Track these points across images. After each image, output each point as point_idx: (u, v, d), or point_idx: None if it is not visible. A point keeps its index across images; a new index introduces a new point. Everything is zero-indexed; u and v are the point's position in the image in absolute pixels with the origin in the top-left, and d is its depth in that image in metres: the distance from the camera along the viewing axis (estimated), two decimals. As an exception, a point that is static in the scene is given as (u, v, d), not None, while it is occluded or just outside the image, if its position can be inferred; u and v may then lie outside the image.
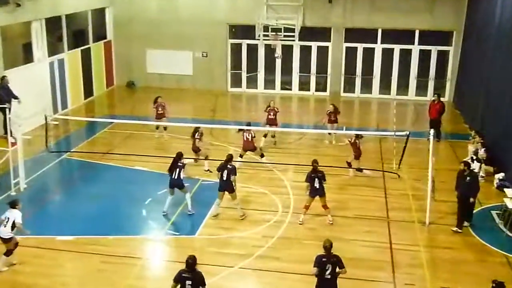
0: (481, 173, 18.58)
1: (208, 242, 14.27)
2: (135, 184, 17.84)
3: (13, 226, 12.36)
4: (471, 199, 14.81)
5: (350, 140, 18.26)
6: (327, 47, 29.69)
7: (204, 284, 10.20)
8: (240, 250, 13.82)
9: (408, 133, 15.56)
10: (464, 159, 19.78)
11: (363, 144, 18.49)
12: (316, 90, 30.34)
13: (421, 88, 29.28)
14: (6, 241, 12.46)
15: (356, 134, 18.40)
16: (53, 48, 25.47)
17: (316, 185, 14.96)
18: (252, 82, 30.91)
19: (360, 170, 18.23)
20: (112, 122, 23.47)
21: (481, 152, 18.96)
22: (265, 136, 21.00)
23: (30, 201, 16.47)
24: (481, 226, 15.11)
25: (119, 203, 16.42)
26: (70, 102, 26.69)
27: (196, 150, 18.58)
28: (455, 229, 14.83)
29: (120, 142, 21.95)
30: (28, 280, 12.41)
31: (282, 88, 30.73)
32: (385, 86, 29.72)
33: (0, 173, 17.45)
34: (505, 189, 16.52)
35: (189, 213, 15.55)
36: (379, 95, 29.71)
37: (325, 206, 15.23)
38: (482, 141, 19.46)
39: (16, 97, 18.22)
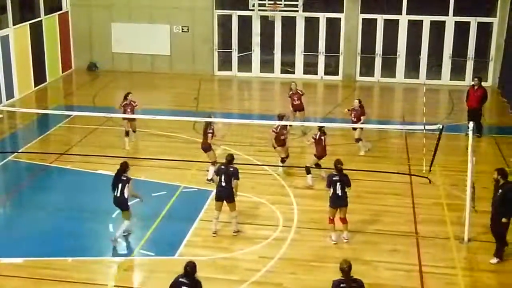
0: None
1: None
2: (99, 193, 17.73)
3: None
4: (504, 220, 14.28)
5: (314, 137, 18.10)
6: (339, 19, 29.75)
7: None
8: (231, 275, 13.80)
9: (441, 126, 15.56)
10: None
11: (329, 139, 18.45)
12: (326, 73, 30.37)
13: (458, 71, 29.33)
14: None
15: (319, 127, 18.31)
16: (-5, 21, 25.47)
17: (339, 191, 14.96)
18: (245, 63, 30.93)
19: (319, 166, 18.33)
20: (70, 115, 23.47)
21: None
22: (304, 133, 21.53)
23: (-33, 214, 16.50)
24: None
25: (79, 217, 16.41)
26: (17, 90, 26.67)
27: (206, 148, 18.37)
28: (494, 261, 14.52)
29: (80, 140, 21.94)
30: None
31: (282, 71, 30.77)
32: (412, 68, 29.77)
33: None
34: None
35: (111, 240, 14.98)
36: (405, 79, 29.75)
37: (343, 220, 15.24)
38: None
39: None
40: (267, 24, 29.96)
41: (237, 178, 15.23)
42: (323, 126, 18.47)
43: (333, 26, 29.85)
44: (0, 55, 25.39)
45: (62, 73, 30.74)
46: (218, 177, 15.26)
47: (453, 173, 18.60)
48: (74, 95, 28.84)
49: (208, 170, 18.32)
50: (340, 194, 14.96)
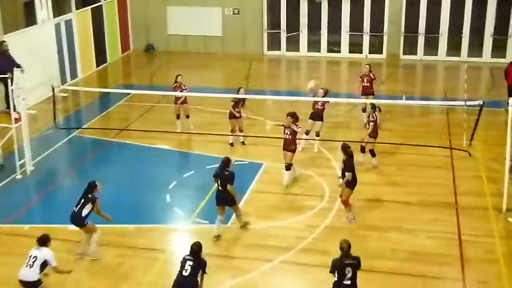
0: None
1: (243, 233, 14.49)
2: (157, 165, 18.15)
3: (43, 267, 11.22)
4: None
5: (373, 118, 17.39)
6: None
7: (205, 271, 10.96)
8: (280, 242, 13.98)
9: (482, 102, 15.42)
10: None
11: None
12: (370, 52, 30.20)
13: (499, 48, 28.84)
14: (31, 285, 11.15)
15: (371, 104, 17.85)
16: (59, 7, 25.84)
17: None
18: (293, 43, 30.91)
19: (372, 153, 17.76)
20: (129, 94, 23.81)
21: None
22: (363, 110, 20.55)
23: (38, 185, 16.96)
24: None
25: (139, 188, 16.73)
26: (81, 71, 27.10)
27: (232, 116, 18.94)
28: None
29: (139, 117, 22.28)
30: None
31: (329, 51, 30.68)
32: (454, 46, 29.40)
33: (4, 153, 17.92)
34: None
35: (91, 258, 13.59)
36: (447, 57, 29.42)
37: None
38: None
39: (18, 66, 18.61)
40: (314, 5, 29.85)
41: (231, 183, 13.94)
42: (374, 105, 17.74)
43: (377, 6, 29.59)
44: (64, 38, 25.84)
45: (122, 54, 31.11)
46: (215, 181, 14.33)
47: (493, 147, 18.43)
48: (132, 75, 29.21)
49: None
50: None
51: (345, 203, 14.77)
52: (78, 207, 13.23)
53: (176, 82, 20.17)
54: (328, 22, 30.24)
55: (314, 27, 30.43)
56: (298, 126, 16.67)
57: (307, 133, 18.73)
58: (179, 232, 14.85)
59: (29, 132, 17.79)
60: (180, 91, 19.83)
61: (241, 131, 19.21)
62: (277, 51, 31.00)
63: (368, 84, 20.57)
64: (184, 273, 10.80)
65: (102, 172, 17.82)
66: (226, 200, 14.15)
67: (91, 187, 13.42)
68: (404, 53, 29.93)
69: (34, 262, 11.09)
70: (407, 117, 21.89)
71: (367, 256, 13.30)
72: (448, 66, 28.90)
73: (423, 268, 12.96)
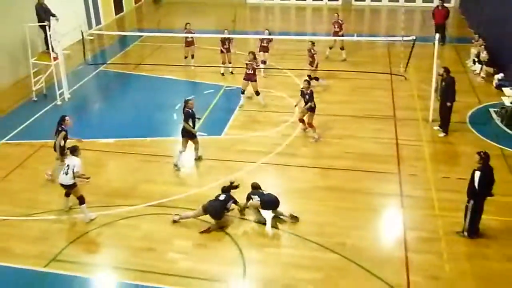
0: (482, 74, 18.39)
1: (233, 141, 14.55)
2: (165, 92, 18.03)
3: (74, 173, 10.98)
4: (448, 104, 14.27)
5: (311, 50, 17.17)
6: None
7: (229, 207, 10.94)
8: (261, 147, 14.07)
9: (414, 37, 15.28)
10: (468, 60, 19.57)
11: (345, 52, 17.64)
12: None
13: (428, -5, 28.39)
14: (68, 187, 11.12)
15: (310, 41, 17.54)
16: (84, -33, 24.99)
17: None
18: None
19: (316, 79, 17.56)
20: (141, 36, 23.38)
21: (483, 55, 18.65)
22: (330, 48, 20.29)
23: (74, 109, 16.82)
24: (479, 123, 15.14)
25: (152, 109, 16.67)
26: (103, 18, 26.47)
27: (222, 51, 18.72)
28: (442, 134, 14.56)
29: (150, 54, 21.94)
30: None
31: (297, -1, 30.03)
32: (394, -6, 28.89)
33: (46, 85, 17.70)
34: (503, 88, 16.36)
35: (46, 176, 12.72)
36: (389, 3, 28.99)
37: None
38: (484, 44, 19.08)
39: (54, 15, 18.07)
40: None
41: (186, 121, 12.73)
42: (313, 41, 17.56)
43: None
44: (89, -8, 25.13)
45: (135, 4, 30.35)
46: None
47: (423, 72, 18.32)
48: (144, 21, 28.55)
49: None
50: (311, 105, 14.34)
51: (311, 125, 14.56)
52: (56, 137, 12.28)
53: (185, 28, 19.37)
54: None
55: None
56: (256, 64, 16.55)
57: (263, 62, 18.79)
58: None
59: (65, 68, 17.50)
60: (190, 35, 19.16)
61: (229, 63, 18.97)
62: (256, 0, 30.30)
63: (338, 28, 20.00)
64: (221, 197, 10.91)
65: (122, 98, 17.71)
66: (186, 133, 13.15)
67: (61, 119, 12.39)
68: (356, 0, 29.35)
69: (67, 169, 10.96)
70: (358, 50, 21.68)
71: (328, 157, 13.54)
72: (389, 10, 28.45)
73: (370, 165, 13.15)
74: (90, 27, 24.74)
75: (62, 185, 11.15)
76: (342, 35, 20.12)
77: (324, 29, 24.84)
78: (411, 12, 27.30)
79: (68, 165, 11.03)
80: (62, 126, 12.35)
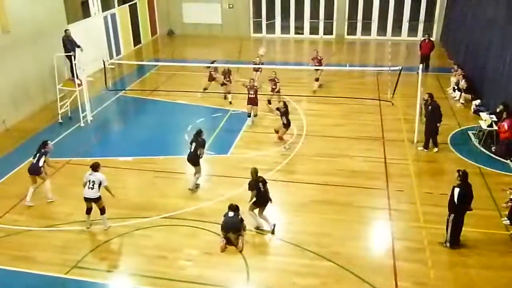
0: (461, 100, 18.40)
1: (239, 159, 14.53)
2: (178, 115, 18.05)
3: (99, 186, 11.02)
4: (438, 124, 14.48)
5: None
6: (333, -4, 28.82)
7: (243, 227, 10.85)
8: (264, 165, 13.98)
9: (401, 67, 15.32)
10: (448, 88, 19.60)
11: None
12: (324, 33, 29.70)
13: (412, 30, 28.42)
14: (94, 200, 11.12)
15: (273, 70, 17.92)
16: (106, 4, 25.17)
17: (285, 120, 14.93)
18: (270, 28, 30.38)
19: (269, 102, 17.50)
20: (157, 65, 23.49)
21: (462, 83, 18.67)
22: (316, 79, 19.95)
23: (96, 130, 16.85)
24: (459, 144, 15.10)
25: (166, 130, 16.67)
26: (123, 49, 26.60)
27: (223, 83, 18.75)
28: (420, 148, 14.69)
29: (165, 81, 22.01)
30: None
31: (295, 33, 30.15)
32: (381, 29, 28.93)
33: (71, 109, 17.74)
34: (480, 113, 16.34)
35: (48, 200, 12.52)
36: (377, 36, 29.01)
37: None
38: (463, 73, 19.12)
39: (78, 46, 18.22)
40: (285, 0, 29.20)
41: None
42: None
43: (330, 1, 28.99)
44: (110, 26, 25.23)
45: (151, 37, 30.48)
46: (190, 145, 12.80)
47: (408, 98, 18.30)
48: (159, 52, 28.68)
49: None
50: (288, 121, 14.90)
51: (280, 138, 14.97)
52: (36, 159, 12.08)
53: (212, 63, 19.08)
54: (294, 12, 29.65)
55: (285, 16, 29.83)
56: (256, 87, 16.78)
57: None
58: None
59: (88, 93, 17.53)
60: (215, 72, 18.91)
61: (229, 93, 18.90)
62: (260, 34, 30.47)
63: (317, 63, 19.67)
64: (230, 214, 10.71)
65: (139, 120, 17.72)
66: (193, 160, 12.81)
67: (44, 144, 12.29)
68: (348, 34, 29.46)
69: (93, 184, 10.97)
70: (349, 78, 21.72)
71: (324, 174, 13.51)
72: (378, 43, 28.55)
73: (361, 182, 13.12)
74: (111, 57, 24.87)
75: (89, 198, 11.05)
76: (321, 70, 19.86)
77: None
78: (397, 45, 27.39)
79: (93, 181, 10.95)
80: (45, 149, 12.21)
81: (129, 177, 13.66)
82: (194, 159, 12.76)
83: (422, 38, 22.84)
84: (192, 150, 12.74)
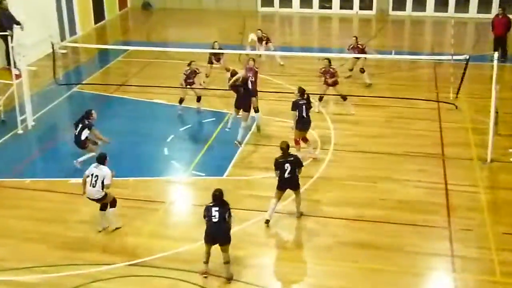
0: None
1: (239, 184, 14.47)
2: (154, 120, 18.06)
3: (103, 184, 12.20)
4: None
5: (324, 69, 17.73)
6: (374, -44, 28.98)
7: (230, 214, 10.96)
8: (273, 192, 13.89)
9: (467, 56, 15.29)
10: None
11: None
12: (360, 8, 29.84)
13: (484, 3, 28.52)
14: (99, 200, 12.40)
15: (325, 58, 18.06)
16: (58, -36, 25.41)
17: (304, 113, 15.06)
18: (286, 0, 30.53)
19: (344, 98, 18.02)
20: (127, 50, 23.58)
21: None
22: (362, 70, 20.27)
23: (39, 140, 16.89)
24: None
25: (138, 141, 16.66)
26: (79, 28, 26.77)
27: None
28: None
29: (137, 72, 22.10)
30: (40, 227, 12.79)
31: (320, 7, 30.33)
32: (441, 2, 29.03)
33: (5, 109, 17.78)
34: None
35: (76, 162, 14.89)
36: (434, 13, 29.12)
37: (304, 139, 15.40)
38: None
39: (18, 23, 18.34)
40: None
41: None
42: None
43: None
44: (63, -4, 25.48)
45: (119, 11, 30.72)
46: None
47: (478, 99, 18.32)
48: (130, 32, 28.90)
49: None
50: (305, 115, 15.06)
51: (296, 142, 15.15)
52: (77, 131, 14.79)
53: (189, 66, 18.35)
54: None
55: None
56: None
57: None
58: (177, 184, 14.82)
59: (30, 88, 17.60)
60: (194, 76, 18.24)
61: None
62: (270, 8, 30.64)
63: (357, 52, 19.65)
64: (214, 220, 10.84)
65: (101, 127, 17.56)
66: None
67: (88, 113, 14.94)
68: (393, 9, 29.59)
69: (96, 181, 12.06)
70: (395, 71, 21.75)
71: (357, 206, 13.42)
72: (435, 21, 28.62)
73: (411, 217, 12.99)
74: (63, 38, 25.01)
75: (93, 199, 12.31)
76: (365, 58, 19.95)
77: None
78: (463, 25, 27.44)
79: (96, 176, 12.10)
80: (90, 120, 14.91)
81: (85, 207, 13.54)
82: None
83: (496, 13, 22.89)
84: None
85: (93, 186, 12.16)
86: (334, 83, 17.76)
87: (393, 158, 15.60)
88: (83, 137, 14.77)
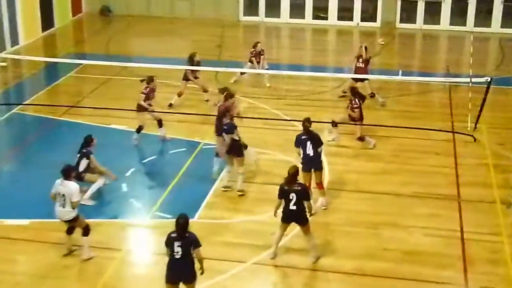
0: None
1: (212, 228, 14.38)
2: (112, 149, 17.91)
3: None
4: None
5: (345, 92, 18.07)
6: (378, -42, 29.39)
7: (198, 245, 11.08)
8: (255, 239, 13.87)
9: (489, 79, 15.44)
10: None
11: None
12: (362, 19, 30.13)
13: (510, 16, 28.87)
14: (71, 222, 12.91)
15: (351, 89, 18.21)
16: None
17: (309, 151, 14.76)
18: (273, 8, 30.73)
19: (361, 139, 18.12)
20: (80, 64, 23.57)
21: None
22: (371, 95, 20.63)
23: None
24: None
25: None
26: (23, 36, 26.77)
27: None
28: None
29: (92, 91, 22.07)
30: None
31: (315, 17, 30.59)
32: (458, 14, 29.41)
33: None
34: None
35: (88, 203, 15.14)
36: (450, 26, 29.48)
37: (319, 185, 15.07)
38: None
39: None
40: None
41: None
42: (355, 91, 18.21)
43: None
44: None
45: (73, 17, 30.79)
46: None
47: (501, 130, 18.48)
48: (85, 42, 28.91)
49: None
50: (311, 154, 14.76)
51: (319, 186, 15.14)
52: (76, 161, 15.15)
53: (151, 82, 18.45)
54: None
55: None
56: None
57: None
58: (137, 228, 14.75)
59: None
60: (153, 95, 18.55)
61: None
62: (255, 17, 30.85)
63: (362, 64, 20.40)
64: (176, 256, 10.89)
65: (47, 156, 17.63)
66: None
67: (87, 141, 15.39)
68: (401, 21, 29.91)
69: (64, 200, 12.58)
70: (404, 95, 21.90)
71: (356, 257, 13.39)
72: (451, 36, 28.95)
73: (420, 271, 12.97)
74: (2, 48, 24.97)
75: (64, 221, 12.85)
76: (368, 80, 20.40)
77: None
78: (484, 41, 27.74)
79: (63, 195, 12.58)
80: (88, 149, 15.32)
81: (22, 255, 13.46)
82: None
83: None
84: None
85: (63, 207, 12.64)
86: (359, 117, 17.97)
87: (400, 200, 15.61)
88: (81, 168, 15.13)
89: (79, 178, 14.98)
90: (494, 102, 18.40)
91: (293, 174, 12.72)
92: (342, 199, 15.53)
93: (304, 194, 12.73)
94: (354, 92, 17.92)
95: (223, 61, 24.07)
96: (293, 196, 12.56)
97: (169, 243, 11.00)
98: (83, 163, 15.17)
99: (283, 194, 12.72)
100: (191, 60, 20.26)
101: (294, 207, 12.62)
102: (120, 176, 16.26)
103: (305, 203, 12.77)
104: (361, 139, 17.99)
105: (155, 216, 14.90)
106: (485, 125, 18.05)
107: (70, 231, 13.10)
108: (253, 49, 22.13)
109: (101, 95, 21.62)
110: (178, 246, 10.89)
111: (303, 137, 14.89)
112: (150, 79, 18.04)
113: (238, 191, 15.69)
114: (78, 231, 13.13)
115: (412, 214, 15.01)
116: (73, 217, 12.76)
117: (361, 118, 17.90)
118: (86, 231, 13.00)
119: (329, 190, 15.83)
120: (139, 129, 18.05)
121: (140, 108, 17.95)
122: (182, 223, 11.02)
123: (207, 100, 20.27)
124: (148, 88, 17.87)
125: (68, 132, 19.25)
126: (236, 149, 15.70)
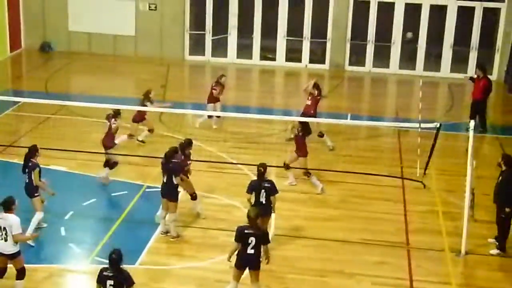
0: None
1: (154, 275, 14.30)
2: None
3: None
4: (506, 209, 14.82)
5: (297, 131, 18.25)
6: (327, 0, 29.73)
7: (131, 283, 11.04)
8: (198, 287, 13.82)
9: (438, 124, 15.67)
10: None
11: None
12: (311, 61, 30.40)
13: (459, 62, 29.48)
14: (11, 257, 12.83)
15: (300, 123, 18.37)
16: None
17: (262, 199, 14.83)
18: (220, 48, 30.89)
19: (307, 174, 18.32)
20: (18, 102, 23.34)
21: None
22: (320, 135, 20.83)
23: None
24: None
25: (26, 218, 16.23)
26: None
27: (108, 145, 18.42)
28: (495, 252, 15.18)
29: (30, 130, 21.86)
30: None
31: (262, 58, 30.77)
32: (408, 58, 29.86)
33: None
34: None
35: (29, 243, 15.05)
36: (400, 70, 29.88)
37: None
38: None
39: None
40: (246, 4, 29.91)
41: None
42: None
43: (320, 7, 29.85)
44: None
45: (10, 53, 30.52)
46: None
47: (451, 177, 18.72)
48: (23, 79, 28.66)
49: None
50: (264, 202, 14.82)
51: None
52: (27, 177, 15.31)
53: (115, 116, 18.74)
54: (262, 24, 30.37)
55: (245, 29, 30.52)
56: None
57: None
58: (76, 274, 14.55)
59: None
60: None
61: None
62: (200, 56, 30.94)
63: (309, 102, 20.73)
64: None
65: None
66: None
67: (32, 151, 15.40)
68: (350, 64, 30.23)
69: (6, 234, 12.52)
70: (352, 139, 22.09)
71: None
72: (401, 80, 29.32)
73: (368, 321, 13.03)
74: None
75: (3, 255, 12.70)
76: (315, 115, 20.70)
77: (303, 104, 25.35)
78: (433, 85, 28.15)
79: (4, 228, 12.51)
80: (33, 160, 15.30)
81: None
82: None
83: (475, 75, 23.45)
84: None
85: (5, 240, 12.59)
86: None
87: (347, 247, 15.66)
88: (35, 182, 15.29)
89: (36, 190, 15.31)
90: (443, 148, 18.65)
91: (253, 218, 12.55)
92: (289, 245, 15.55)
93: (264, 238, 12.65)
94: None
95: (167, 101, 24.02)
96: (252, 240, 12.46)
97: (101, 281, 11.01)
98: (35, 176, 15.22)
99: (241, 237, 12.56)
100: (147, 98, 20.17)
101: (252, 251, 12.53)
102: (59, 219, 16.11)
103: (262, 248, 12.66)
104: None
105: (94, 261, 14.69)
106: (434, 171, 18.30)
107: (2, 272, 12.98)
108: (216, 82, 22.44)
109: (39, 135, 21.38)
110: (111, 285, 10.89)
111: (256, 184, 14.88)
112: (114, 114, 18.26)
113: (172, 238, 15.65)
114: (7, 277, 12.97)
115: (360, 261, 15.06)
116: (15, 251, 12.69)
117: (305, 153, 18.05)
118: (21, 273, 12.85)
119: (275, 236, 15.88)
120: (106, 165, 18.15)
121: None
122: (115, 259, 10.97)
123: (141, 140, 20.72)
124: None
125: (2, 172, 19.05)
126: (171, 193, 15.68)
